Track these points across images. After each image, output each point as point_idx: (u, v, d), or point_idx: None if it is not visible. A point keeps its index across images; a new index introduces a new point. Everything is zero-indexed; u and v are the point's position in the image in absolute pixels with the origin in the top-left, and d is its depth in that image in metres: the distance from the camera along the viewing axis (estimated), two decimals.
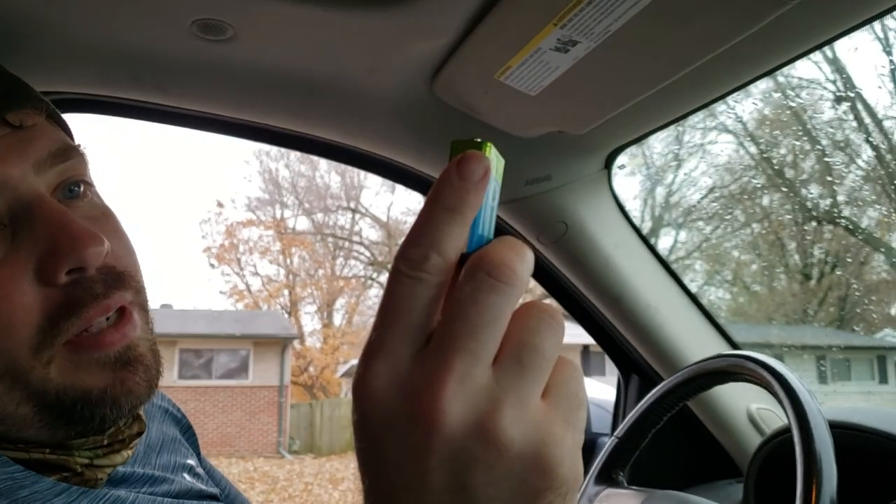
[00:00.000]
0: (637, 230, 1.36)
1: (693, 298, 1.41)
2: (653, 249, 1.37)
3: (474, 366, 0.33)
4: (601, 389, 1.68)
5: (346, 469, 14.66)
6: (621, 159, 1.30)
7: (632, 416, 1.10)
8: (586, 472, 1.10)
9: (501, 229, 1.36)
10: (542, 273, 1.40)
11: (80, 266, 0.55)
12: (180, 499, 0.70)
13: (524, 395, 0.33)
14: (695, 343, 1.37)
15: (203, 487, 0.77)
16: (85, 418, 0.55)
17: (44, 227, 0.54)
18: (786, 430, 1.23)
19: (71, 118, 0.77)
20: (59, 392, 0.54)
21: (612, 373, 1.63)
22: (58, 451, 0.56)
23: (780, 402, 0.87)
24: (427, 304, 0.34)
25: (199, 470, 0.81)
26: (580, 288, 1.37)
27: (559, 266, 1.35)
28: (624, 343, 1.42)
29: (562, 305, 1.44)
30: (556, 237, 1.30)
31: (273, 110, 1.15)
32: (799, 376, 0.89)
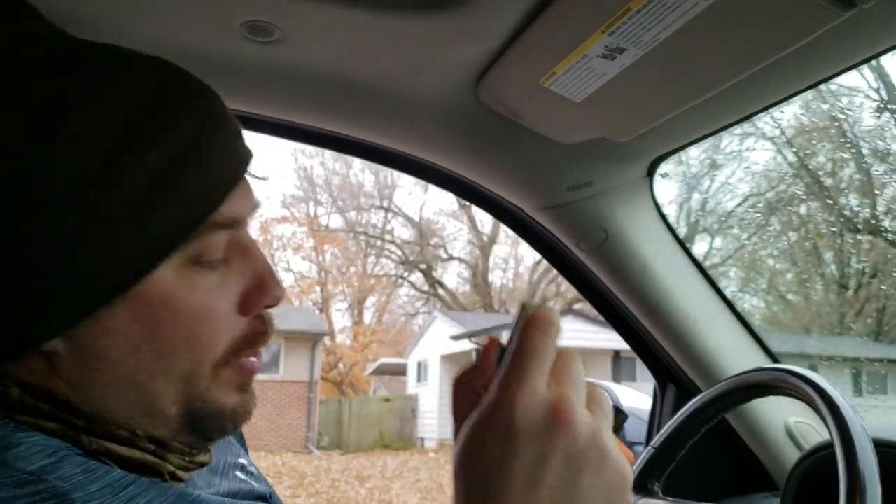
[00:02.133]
0: (677, 238, 1.35)
1: (732, 309, 1.40)
2: (692, 258, 1.36)
3: (580, 393, 0.49)
4: (635, 397, 1.67)
5: (373, 466, 14.72)
6: (664, 167, 1.29)
7: (669, 426, 1.09)
8: None
9: (543, 237, 1.36)
10: (580, 279, 1.40)
11: (272, 305, 0.64)
12: (236, 498, 0.72)
13: (606, 415, 0.49)
14: (733, 354, 1.35)
15: (255, 486, 0.80)
16: (209, 429, 0.63)
17: (253, 265, 0.63)
18: (826, 446, 1.21)
19: None
20: (205, 402, 0.61)
21: (643, 378, 1.63)
22: (157, 452, 0.60)
23: (822, 417, 0.86)
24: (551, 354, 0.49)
25: (252, 469, 0.84)
26: (618, 295, 1.36)
27: (598, 272, 1.35)
28: (661, 352, 1.41)
29: (599, 311, 1.44)
30: (596, 244, 1.29)
31: (317, 112, 1.15)
32: (841, 392, 0.87)
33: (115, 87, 0.56)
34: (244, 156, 0.63)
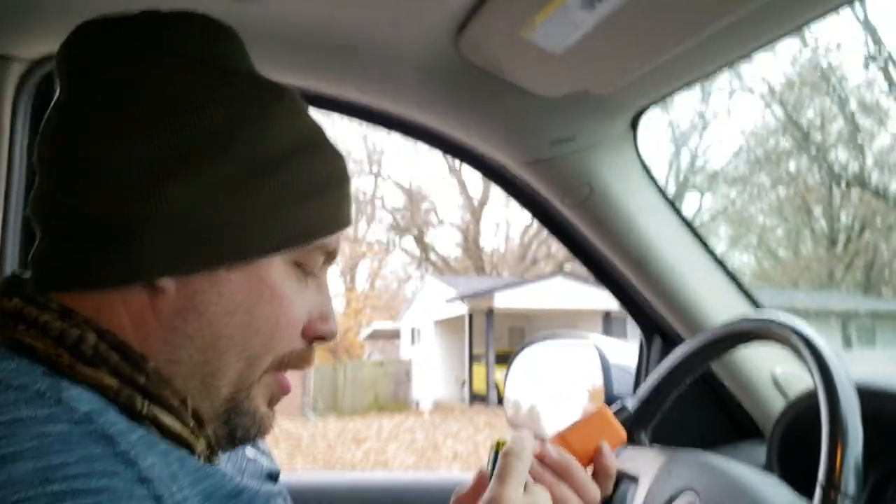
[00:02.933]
0: (662, 192, 1.35)
1: (717, 260, 1.40)
2: (677, 211, 1.36)
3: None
4: (623, 351, 1.68)
5: (369, 429, 14.86)
6: (647, 120, 1.29)
7: (654, 376, 1.10)
8: None
9: (528, 192, 1.36)
10: (566, 235, 1.39)
11: (326, 337, 0.73)
12: (244, 475, 0.78)
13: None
14: (719, 305, 1.36)
15: (265, 463, 0.86)
16: (239, 426, 0.69)
17: (324, 300, 0.73)
18: (811, 394, 1.23)
19: None
20: (248, 398, 0.69)
21: (634, 338, 1.63)
22: (194, 430, 0.65)
23: (805, 364, 0.86)
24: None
25: (263, 447, 0.89)
26: (603, 250, 1.36)
27: (583, 228, 1.34)
28: (646, 304, 1.41)
29: (584, 265, 1.44)
30: (580, 199, 1.29)
31: (298, 70, 1.14)
32: (826, 339, 0.88)
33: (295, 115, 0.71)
34: (351, 208, 0.76)
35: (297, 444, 12.58)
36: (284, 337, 0.69)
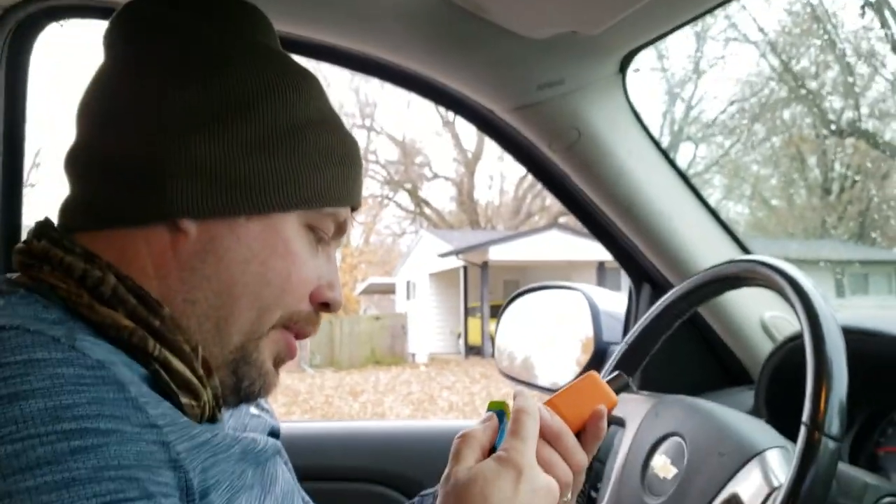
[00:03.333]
0: (651, 137, 1.33)
1: (707, 207, 1.39)
2: (666, 156, 1.34)
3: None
4: (613, 299, 1.68)
5: (366, 382, 14.99)
6: (636, 63, 1.26)
7: (642, 322, 1.09)
8: None
9: (515, 139, 1.34)
10: (554, 182, 1.38)
11: (331, 306, 0.78)
12: (245, 430, 0.81)
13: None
14: (708, 250, 1.35)
15: (267, 419, 0.90)
16: (245, 377, 0.73)
17: (332, 270, 0.79)
18: (798, 336, 1.22)
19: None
20: (256, 349, 0.73)
21: (627, 288, 1.63)
22: (202, 379, 0.68)
23: (791, 305, 0.86)
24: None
25: (266, 405, 0.93)
26: (592, 196, 1.34)
27: (571, 174, 1.33)
28: (636, 251, 1.40)
29: (573, 213, 1.42)
30: (568, 144, 1.27)
31: (276, 15, 1.11)
32: (813, 281, 0.87)
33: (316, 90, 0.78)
34: (361, 191, 0.82)
35: (295, 398, 12.68)
36: (294, 294, 0.74)
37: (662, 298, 1.08)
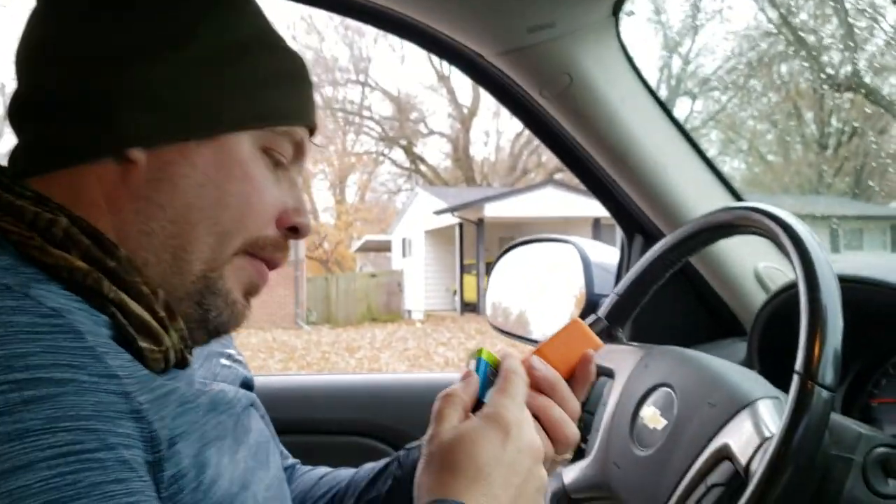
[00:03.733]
0: (646, 84, 1.29)
1: (702, 156, 1.35)
2: (662, 104, 1.30)
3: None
4: (605, 252, 1.65)
5: (362, 338, 15.06)
6: (630, 5, 1.22)
7: (633, 271, 1.07)
8: None
9: (504, 85, 1.29)
10: (545, 130, 1.34)
11: (300, 232, 0.76)
12: (215, 381, 0.79)
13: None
14: (703, 201, 1.31)
15: (240, 370, 0.88)
16: (211, 308, 0.71)
17: (297, 195, 0.77)
18: (792, 286, 1.20)
19: None
20: (220, 278, 0.71)
21: None
22: (164, 322, 0.66)
23: (786, 253, 0.83)
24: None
25: (240, 357, 0.91)
26: (584, 144, 1.31)
27: (562, 121, 1.28)
28: (628, 201, 1.37)
29: (564, 163, 1.39)
30: (559, 90, 1.23)
31: None
32: (808, 227, 0.84)
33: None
34: (315, 110, 0.80)
35: (292, 354, 12.74)
36: (256, 219, 0.72)
37: (654, 247, 1.05)
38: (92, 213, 0.67)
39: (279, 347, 13.60)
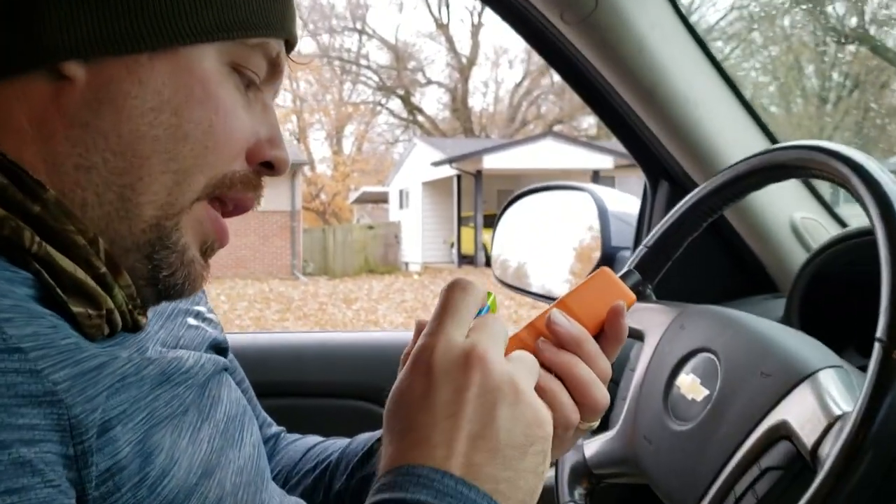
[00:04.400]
0: (677, 8, 1.14)
1: (739, 95, 1.22)
2: (695, 34, 1.16)
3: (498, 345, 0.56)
4: (621, 199, 1.52)
5: (359, 290, 15.03)
6: None
7: (666, 221, 0.94)
8: None
9: (520, 8, 1.15)
10: (564, 60, 1.19)
11: (275, 168, 0.64)
12: (178, 345, 0.68)
13: (529, 369, 0.57)
14: (738, 145, 1.18)
15: (209, 330, 0.75)
16: (164, 265, 0.59)
17: (271, 123, 0.64)
18: (836, 242, 1.08)
19: None
20: (176, 229, 0.59)
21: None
22: (103, 280, 0.55)
23: (859, 198, 0.70)
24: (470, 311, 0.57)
25: (211, 316, 0.80)
26: (608, 77, 1.16)
27: (584, 50, 1.14)
28: (654, 142, 1.23)
29: (583, 99, 1.25)
30: (583, 14, 1.08)
31: None
32: (886, 169, 0.71)
33: None
34: (294, 20, 0.66)
35: (289, 305, 12.69)
36: (222, 151, 0.59)
37: (691, 193, 0.91)
38: (14, 143, 0.54)
39: (276, 298, 13.55)
